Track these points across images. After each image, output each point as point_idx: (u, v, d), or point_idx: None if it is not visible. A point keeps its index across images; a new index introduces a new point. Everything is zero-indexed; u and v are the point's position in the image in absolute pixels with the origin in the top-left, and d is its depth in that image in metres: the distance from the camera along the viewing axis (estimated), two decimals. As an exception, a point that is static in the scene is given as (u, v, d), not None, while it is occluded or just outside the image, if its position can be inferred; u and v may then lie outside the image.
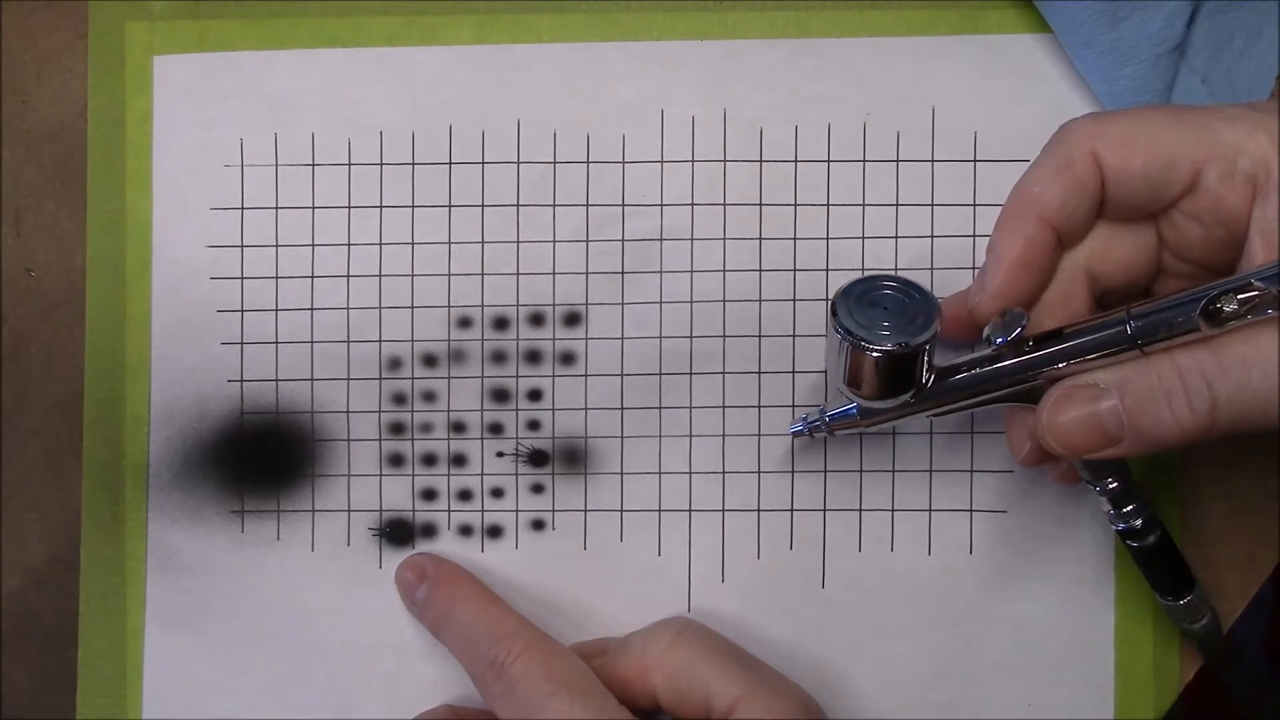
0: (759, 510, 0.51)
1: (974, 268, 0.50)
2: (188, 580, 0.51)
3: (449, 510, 0.51)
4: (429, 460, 0.51)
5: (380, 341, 0.51)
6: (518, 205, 0.51)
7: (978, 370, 0.44)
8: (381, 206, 0.51)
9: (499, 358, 0.51)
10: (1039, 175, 0.42)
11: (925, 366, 0.44)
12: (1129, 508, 0.45)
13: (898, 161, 0.51)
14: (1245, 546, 0.51)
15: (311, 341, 0.51)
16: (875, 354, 0.42)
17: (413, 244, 0.51)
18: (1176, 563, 0.47)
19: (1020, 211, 0.42)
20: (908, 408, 0.45)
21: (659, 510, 0.51)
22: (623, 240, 0.51)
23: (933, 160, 0.51)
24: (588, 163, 0.51)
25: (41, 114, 0.52)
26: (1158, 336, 0.39)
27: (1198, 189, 0.40)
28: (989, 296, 0.43)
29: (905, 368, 0.43)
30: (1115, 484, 0.45)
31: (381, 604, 0.51)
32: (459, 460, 0.51)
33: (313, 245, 0.51)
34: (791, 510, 0.51)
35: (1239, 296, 0.38)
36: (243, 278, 0.51)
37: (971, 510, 0.51)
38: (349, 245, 0.51)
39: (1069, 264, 0.43)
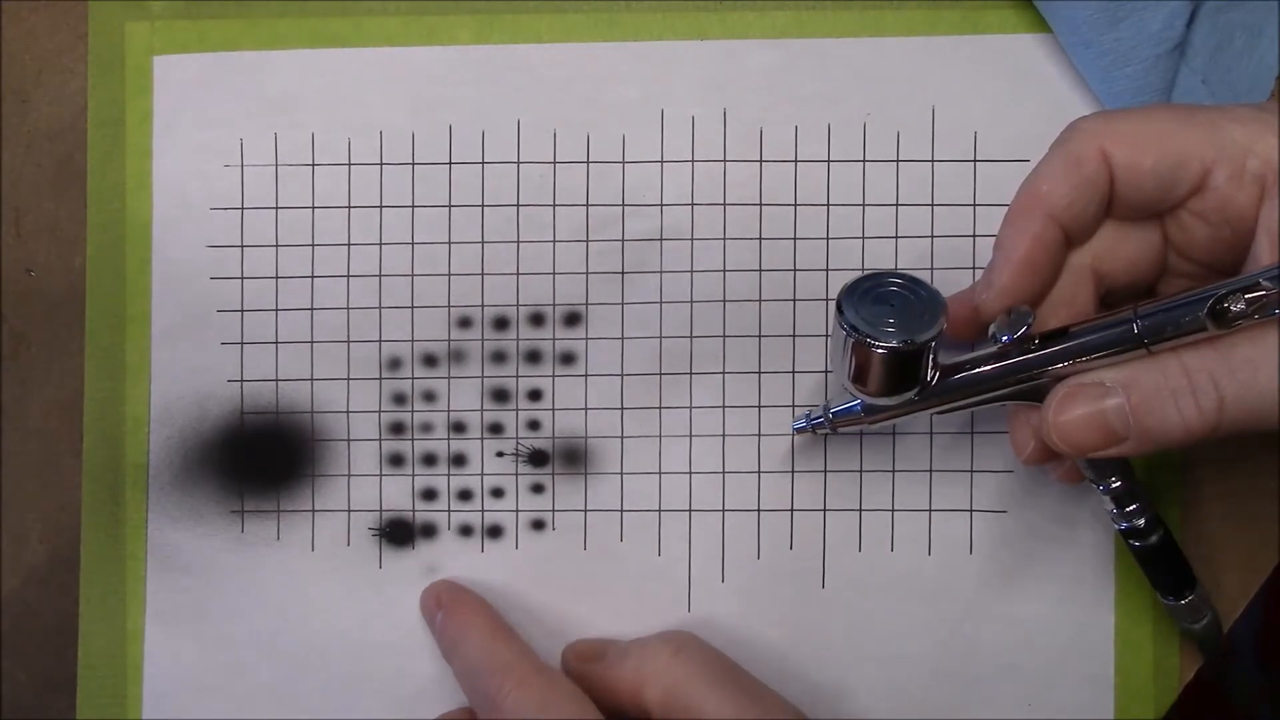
0: (759, 510, 0.51)
1: (974, 267, 0.50)
2: (188, 580, 0.51)
3: (449, 510, 0.51)
4: (429, 460, 0.51)
5: (380, 341, 0.51)
6: (518, 205, 0.51)
7: (983, 368, 0.44)
8: (381, 206, 0.51)
9: (499, 358, 0.51)
10: (1048, 172, 0.42)
11: (930, 364, 0.44)
12: (1132, 507, 0.45)
13: (898, 161, 0.51)
14: (1245, 546, 0.51)
15: (311, 341, 0.51)
16: (880, 350, 0.42)
17: (413, 244, 0.51)
18: (1178, 562, 0.47)
19: (1028, 208, 0.42)
20: (912, 405, 0.45)
21: (659, 510, 0.51)
22: (623, 240, 0.51)
23: (933, 160, 0.51)
24: (588, 163, 0.51)
25: (41, 114, 0.52)
26: (1164, 336, 0.39)
27: (1206, 189, 0.41)
28: (995, 293, 0.43)
29: (910, 364, 0.43)
30: (1118, 483, 0.45)
31: (381, 604, 0.51)
32: (459, 460, 0.51)
33: (313, 245, 0.51)
34: (791, 510, 0.51)
35: (1246, 296, 0.38)
36: (243, 278, 0.51)
37: (971, 510, 0.51)
38: (349, 245, 0.51)
39: (1075, 262, 0.44)
